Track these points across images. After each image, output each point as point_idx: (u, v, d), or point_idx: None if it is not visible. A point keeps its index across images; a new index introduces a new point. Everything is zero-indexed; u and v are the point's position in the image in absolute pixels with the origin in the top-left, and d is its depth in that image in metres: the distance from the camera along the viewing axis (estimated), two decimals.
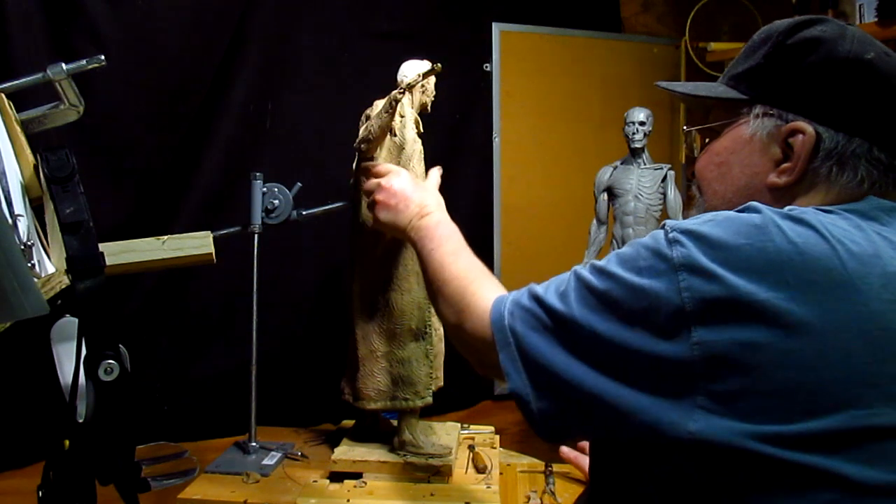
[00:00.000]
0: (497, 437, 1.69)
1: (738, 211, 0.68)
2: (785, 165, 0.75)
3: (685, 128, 0.89)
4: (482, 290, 0.84)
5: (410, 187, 1.11)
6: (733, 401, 0.61)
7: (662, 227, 0.68)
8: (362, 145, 1.41)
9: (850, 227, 0.67)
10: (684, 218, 0.75)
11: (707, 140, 0.84)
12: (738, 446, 0.60)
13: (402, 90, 1.34)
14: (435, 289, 0.92)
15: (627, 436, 0.67)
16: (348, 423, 1.74)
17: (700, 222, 0.66)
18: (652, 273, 0.65)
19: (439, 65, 1.29)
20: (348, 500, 1.32)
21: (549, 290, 0.74)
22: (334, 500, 1.33)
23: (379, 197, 1.12)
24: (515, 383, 0.72)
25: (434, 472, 1.41)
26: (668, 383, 0.63)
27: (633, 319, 0.65)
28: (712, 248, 0.63)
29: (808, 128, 0.73)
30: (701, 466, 0.64)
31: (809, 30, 0.75)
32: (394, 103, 1.33)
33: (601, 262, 0.72)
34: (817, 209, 0.69)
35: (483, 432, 1.71)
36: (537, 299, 0.73)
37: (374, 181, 1.16)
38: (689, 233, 0.65)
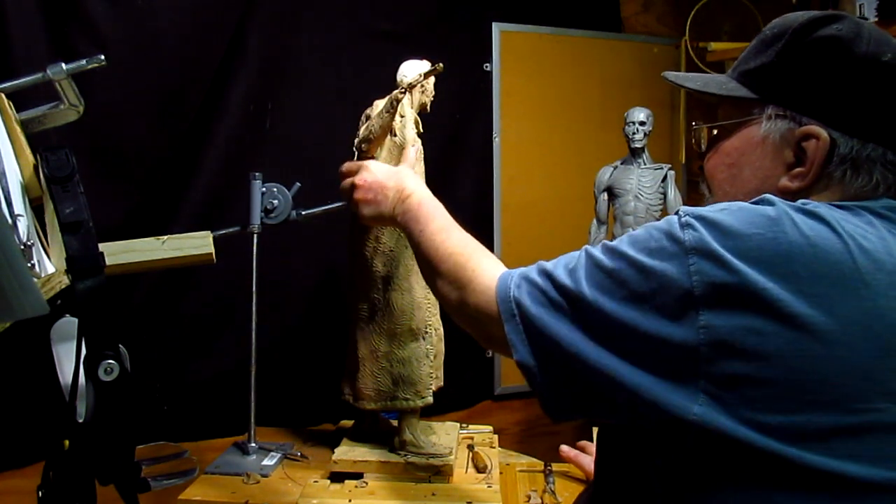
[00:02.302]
0: (496, 436, 1.69)
1: (753, 202, 0.68)
2: (798, 170, 0.74)
3: (694, 124, 0.88)
4: (482, 264, 0.85)
5: (384, 175, 1.10)
6: (736, 387, 0.61)
7: (676, 213, 0.69)
8: (363, 145, 1.41)
9: (863, 224, 0.67)
10: None
11: (714, 132, 0.83)
12: (739, 436, 0.60)
13: (402, 90, 1.34)
14: (432, 268, 0.92)
15: (631, 415, 0.67)
16: (346, 423, 1.74)
17: (714, 210, 0.67)
18: (663, 255, 0.66)
19: (441, 65, 1.29)
20: (350, 501, 1.32)
21: (558, 266, 0.74)
22: (336, 500, 1.32)
23: (357, 196, 1.11)
24: (521, 355, 0.73)
25: (435, 471, 1.41)
26: (673, 365, 0.63)
27: (642, 300, 0.66)
28: (725, 235, 0.64)
29: (823, 132, 0.72)
30: (702, 458, 0.64)
31: (826, 28, 0.73)
32: (395, 103, 1.33)
33: (613, 243, 0.72)
34: (831, 204, 0.69)
35: (482, 432, 1.71)
36: (546, 274, 0.74)
37: (347, 181, 1.15)
38: (702, 218, 0.66)
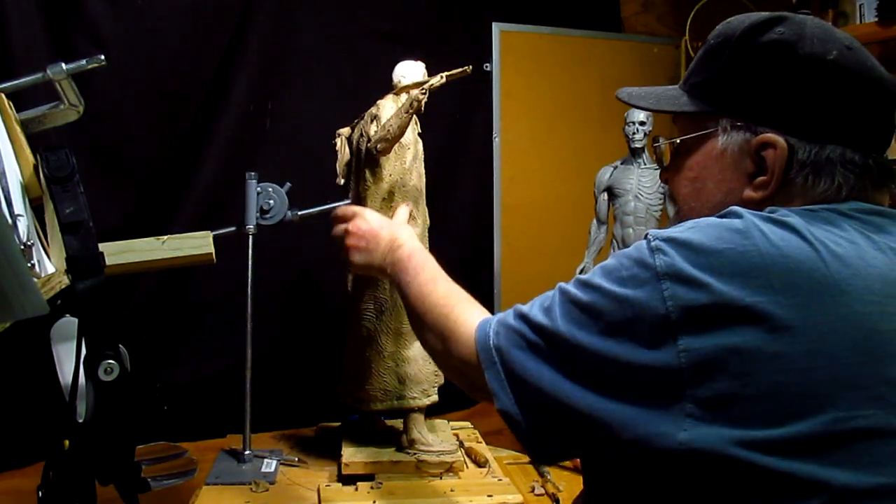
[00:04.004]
0: (477, 432, 1.70)
1: (719, 216, 0.67)
2: (760, 179, 0.73)
3: (656, 145, 0.87)
4: (465, 314, 0.83)
5: (378, 225, 1.09)
6: (721, 406, 0.60)
7: (645, 237, 0.68)
8: (379, 144, 1.40)
9: (833, 228, 0.66)
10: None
11: (676, 142, 0.81)
12: (727, 454, 0.60)
13: (424, 91, 1.35)
14: (418, 318, 0.91)
15: (618, 453, 0.66)
16: (326, 425, 1.72)
17: (682, 230, 0.66)
18: (636, 283, 0.65)
19: (469, 67, 1.31)
20: (374, 502, 1.31)
21: (533, 307, 0.74)
22: (360, 503, 1.31)
23: (349, 242, 1.10)
24: (503, 403, 0.72)
25: (447, 468, 1.41)
26: (656, 393, 0.63)
27: (619, 330, 0.65)
28: (696, 254, 0.63)
29: (780, 140, 0.71)
30: (689, 476, 0.63)
31: (768, 33, 0.72)
32: (415, 103, 1.34)
33: (585, 276, 0.71)
34: (799, 210, 0.68)
35: (465, 428, 1.72)
36: (522, 317, 0.73)
37: (340, 227, 1.13)
38: (671, 241, 0.65)
